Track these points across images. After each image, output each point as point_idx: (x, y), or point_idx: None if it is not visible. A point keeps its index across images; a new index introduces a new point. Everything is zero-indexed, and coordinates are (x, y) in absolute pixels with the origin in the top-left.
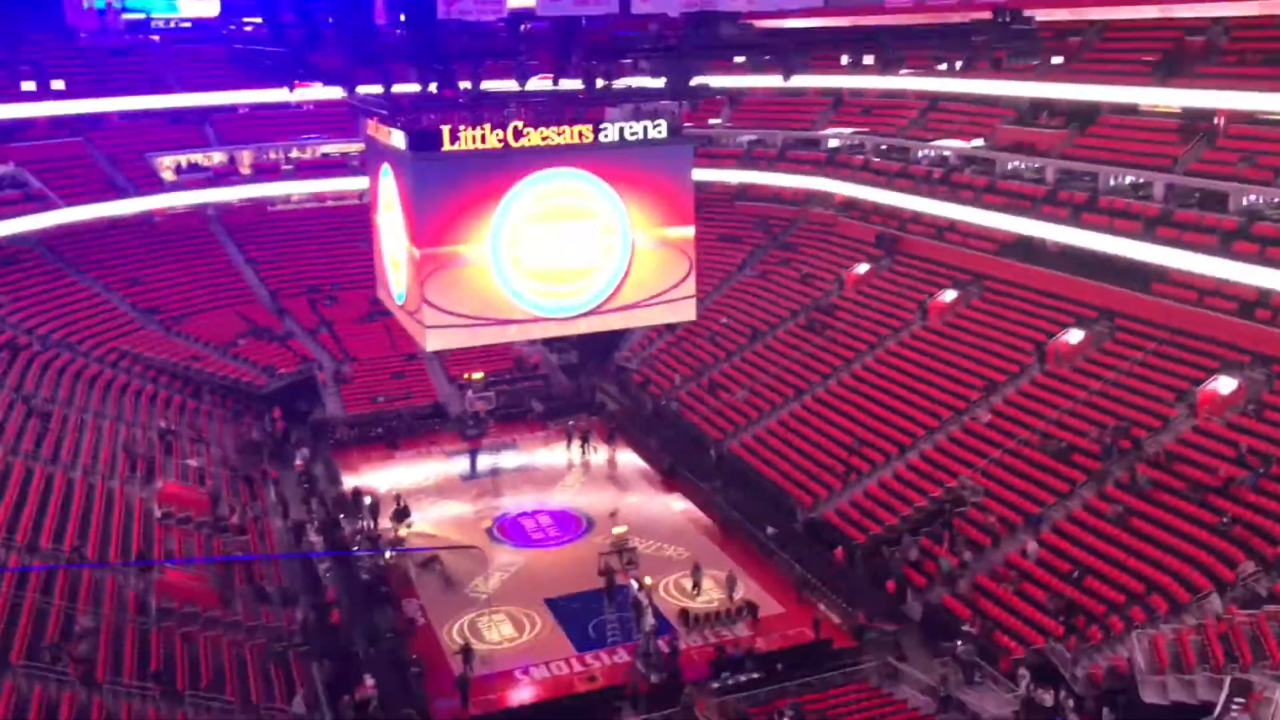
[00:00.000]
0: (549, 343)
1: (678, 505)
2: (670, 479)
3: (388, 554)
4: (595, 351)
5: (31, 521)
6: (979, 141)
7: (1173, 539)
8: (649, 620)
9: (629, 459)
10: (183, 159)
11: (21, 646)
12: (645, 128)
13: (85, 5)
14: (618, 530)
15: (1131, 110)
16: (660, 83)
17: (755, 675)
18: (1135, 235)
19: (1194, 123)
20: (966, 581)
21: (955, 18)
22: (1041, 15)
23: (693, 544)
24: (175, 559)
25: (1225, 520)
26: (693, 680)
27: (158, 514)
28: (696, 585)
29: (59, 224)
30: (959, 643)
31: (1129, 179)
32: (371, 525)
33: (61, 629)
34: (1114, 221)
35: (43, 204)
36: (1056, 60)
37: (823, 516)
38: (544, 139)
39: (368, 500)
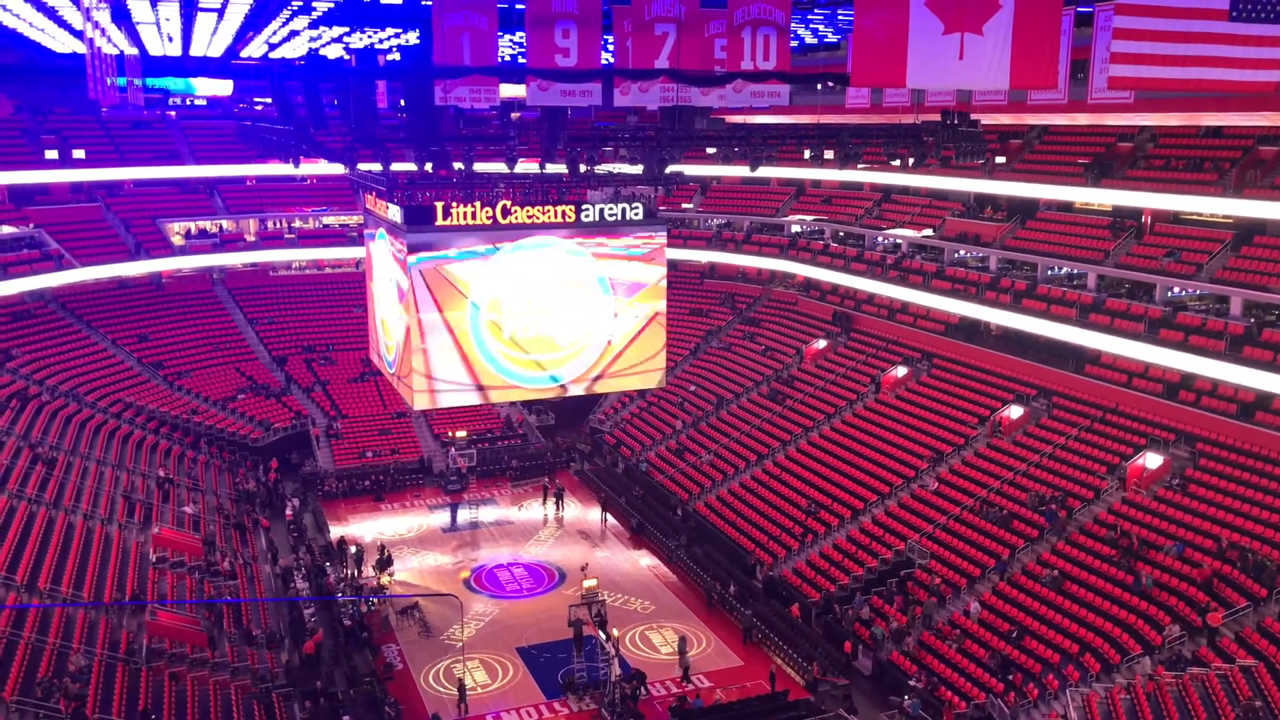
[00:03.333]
0: (527, 404)
1: (645, 561)
2: (638, 536)
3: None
4: (571, 414)
5: (32, 562)
6: (928, 231)
7: (1104, 603)
8: (615, 670)
9: (600, 517)
10: (192, 225)
11: (15, 683)
12: (623, 209)
13: (109, 82)
14: (588, 584)
15: (1067, 207)
16: (638, 169)
17: None
18: (1070, 321)
19: (1123, 220)
20: (913, 639)
21: (908, 118)
22: (986, 119)
23: (658, 598)
24: (168, 600)
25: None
26: None
27: (153, 558)
28: (684, 667)
29: (74, 282)
30: (906, 697)
31: (1064, 269)
32: (356, 573)
33: (54, 667)
34: (1051, 308)
35: (59, 263)
36: (1000, 160)
37: (781, 574)
38: (530, 217)
39: (353, 549)
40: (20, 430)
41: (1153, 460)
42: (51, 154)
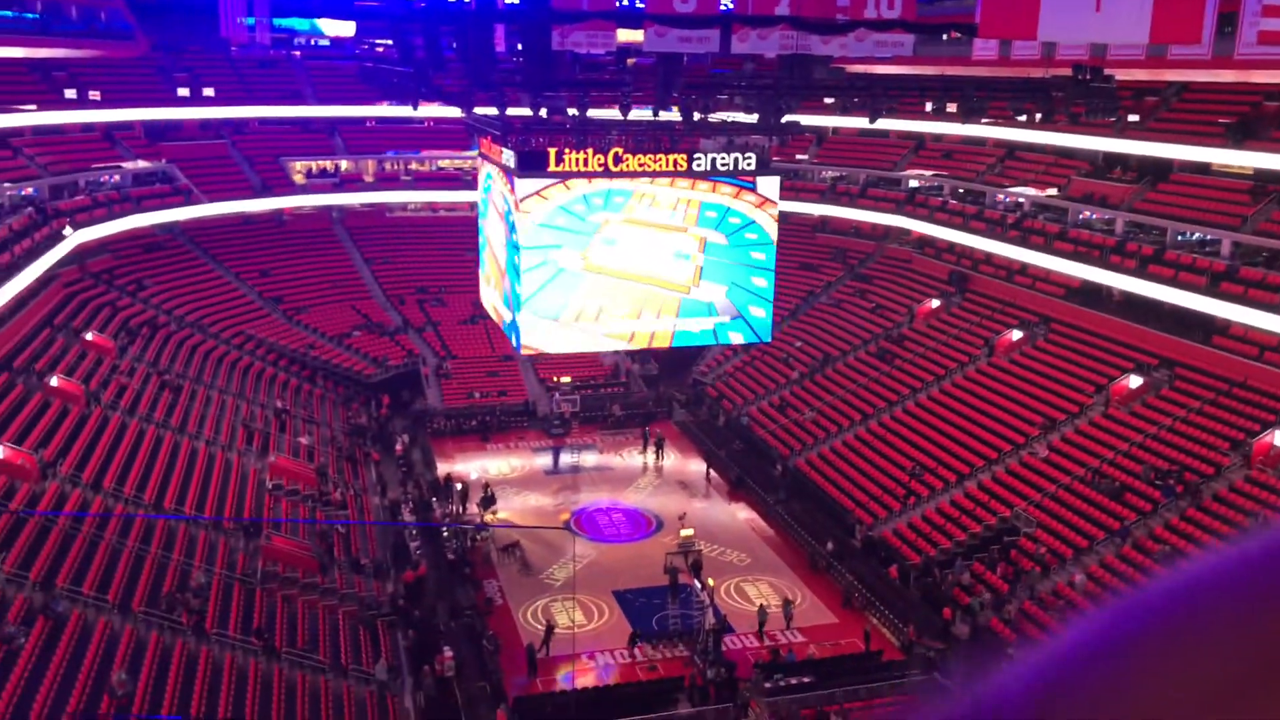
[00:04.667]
0: (632, 353)
1: (742, 514)
2: (737, 489)
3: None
4: (674, 364)
5: (159, 483)
6: (1053, 191)
7: None
8: (710, 618)
9: (700, 467)
10: (313, 164)
11: (143, 594)
12: (736, 159)
13: (239, 20)
14: (685, 533)
15: (1204, 169)
16: (753, 118)
17: (806, 679)
18: (1200, 289)
19: (1265, 185)
20: (1014, 607)
21: (1037, 72)
22: (1120, 74)
23: (754, 552)
24: (283, 521)
25: None
26: (747, 679)
27: (269, 485)
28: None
29: (201, 217)
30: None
31: (1197, 235)
32: (460, 509)
33: (178, 582)
34: (1179, 274)
35: (188, 198)
36: (1133, 118)
37: (880, 535)
38: (641, 165)
39: (458, 486)
40: (150, 358)
41: None
42: (183, 91)
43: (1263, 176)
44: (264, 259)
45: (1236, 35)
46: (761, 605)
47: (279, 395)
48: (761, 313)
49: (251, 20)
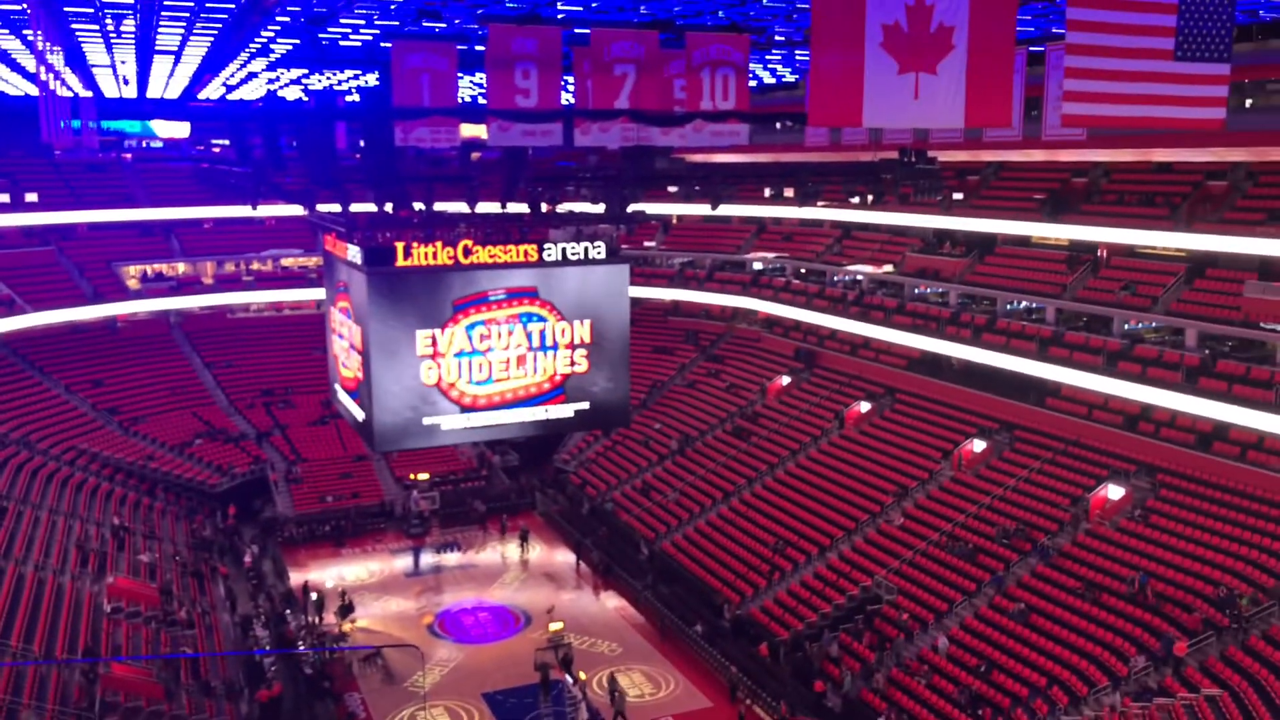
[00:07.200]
0: (491, 444)
1: (611, 603)
2: (604, 576)
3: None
4: (535, 453)
5: None
6: (889, 267)
7: (1071, 635)
8: (583, 714)
9: (567, 558)
10: (148, 268)
11: None
12: (586, 248)
13: (62, 125)
14: (553, 626)
15: (1025, 242)
16: (600, 208)
17: None
18: (1030, 354)
19: (1080, 254)
20: (883, 675)
21: (866, 156)
22: (943, 156)
23: (625, 640)
24: (123, 656)
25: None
26: None
27: (107, 608)
28: (618, 711)
29: (26, 327)
30: None
31: (1024, 303)
32: (317, 620)
33: None
34: (1010, 341)
35: (10, 309)
36: (958, 196)
37: (748, 613)
38: (492, 256)
39: (314, 596)
40: None
41: (1115, 492)
42: (2, 197)
43: (1077, 247)
44: (97, 369)
45: (1043, 118)
46: (614, 691)
47: (116, 511)
48: None
49: (77, 124)
